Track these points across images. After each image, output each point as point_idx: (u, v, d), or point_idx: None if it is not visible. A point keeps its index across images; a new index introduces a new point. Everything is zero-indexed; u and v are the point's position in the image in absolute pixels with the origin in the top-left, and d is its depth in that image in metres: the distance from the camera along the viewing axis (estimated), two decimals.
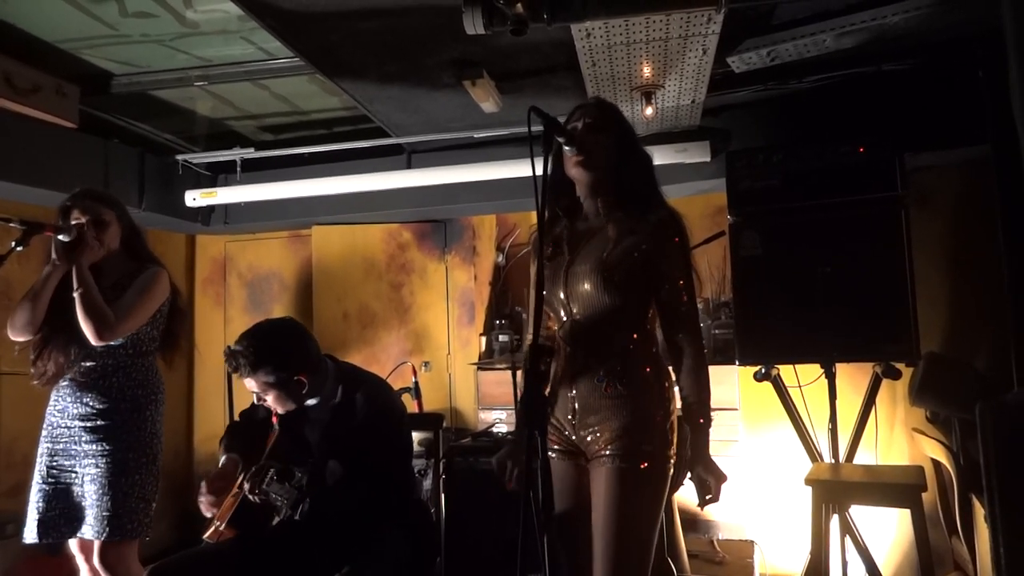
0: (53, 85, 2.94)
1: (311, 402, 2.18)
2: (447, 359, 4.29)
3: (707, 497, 1.67)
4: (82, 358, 2.32)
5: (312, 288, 4.46)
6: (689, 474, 1.70)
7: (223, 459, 2.22)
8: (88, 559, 2.36)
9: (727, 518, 3.50)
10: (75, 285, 2.20)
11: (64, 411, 2.33)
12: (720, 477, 1.67)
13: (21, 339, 2.29)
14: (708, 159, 3.47)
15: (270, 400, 2.10)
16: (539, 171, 1.54)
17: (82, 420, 2.30)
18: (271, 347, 2.05)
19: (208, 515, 2.16)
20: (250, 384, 2.08)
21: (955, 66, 3.00)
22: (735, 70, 2.90)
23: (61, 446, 2.31)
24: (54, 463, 2.31)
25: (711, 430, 1.71)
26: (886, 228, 2.75)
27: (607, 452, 1.66)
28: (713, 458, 1.69)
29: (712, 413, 1.73)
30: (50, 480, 2.30)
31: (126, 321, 2.27)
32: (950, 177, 3.41)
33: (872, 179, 2.79)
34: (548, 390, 1.75)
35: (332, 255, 4.43)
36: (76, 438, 2.30)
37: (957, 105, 3.08)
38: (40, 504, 2.28)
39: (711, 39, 2.50)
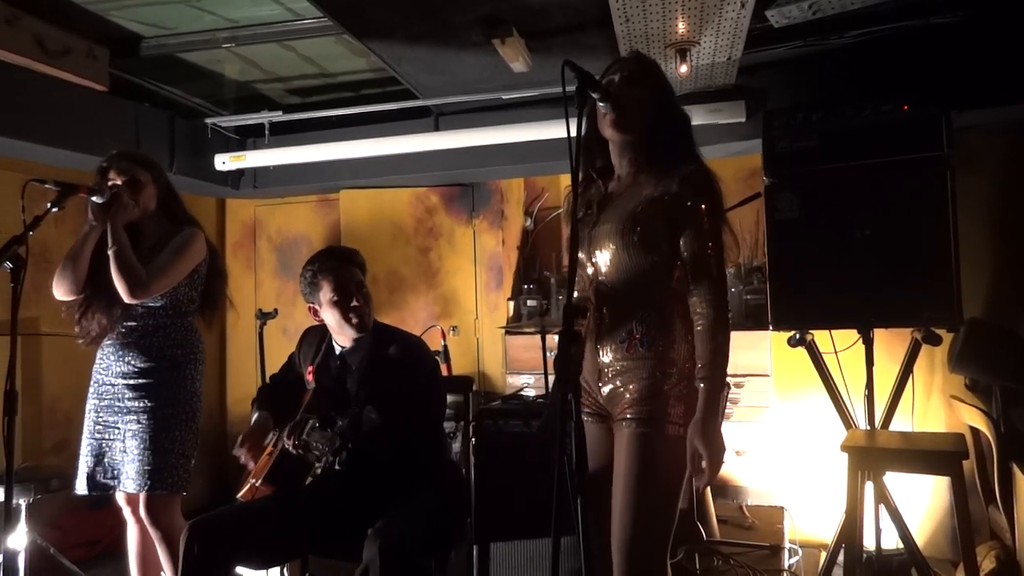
0: (83, 48, 2.94)
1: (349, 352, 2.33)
2: (475, 323, 4.29)
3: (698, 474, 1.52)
4: (124, 318, 2.37)
5: None
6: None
7: (255, 416, 2.30)
8: (134, 511, 2.44)
9: (757, 484, 3.48)
10: (109, 243, 2.24)
11: (108, 369, 2.40)
12: (715, 452, 1.52)
13: (67, 299, 2.35)
14: (743, 119, 3.37)
15: (362, 299, 2.32)
16: (573, 129, 1.49)
17: (124, 378, 2.37)
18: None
19: (246, 464, 2.24)
20: (358, 276, 2.37)
21: (1013, 16, 2.85)
22: (774, 24, 2.79)
23: (106, 402, 2.39)
24: (99, 418, 2.39)
25: (737, 396, 1.66)
26: (930, 189, 2.65)
27: (628, 415, 1.62)
28: (723, 428, 1.55)
29: (735, 379, 1.67)
30: (96, 435, 2.38)
31: (159, 280, 2.30)
32: (997, 138, 3.28)
33: (916, 138, 2.68)
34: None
35: (360, 219, 4.42)
36: (119, 395, 2.37)
37: (1013, 59, 2.93)
38: (87, 458, 2.37)
39: None
